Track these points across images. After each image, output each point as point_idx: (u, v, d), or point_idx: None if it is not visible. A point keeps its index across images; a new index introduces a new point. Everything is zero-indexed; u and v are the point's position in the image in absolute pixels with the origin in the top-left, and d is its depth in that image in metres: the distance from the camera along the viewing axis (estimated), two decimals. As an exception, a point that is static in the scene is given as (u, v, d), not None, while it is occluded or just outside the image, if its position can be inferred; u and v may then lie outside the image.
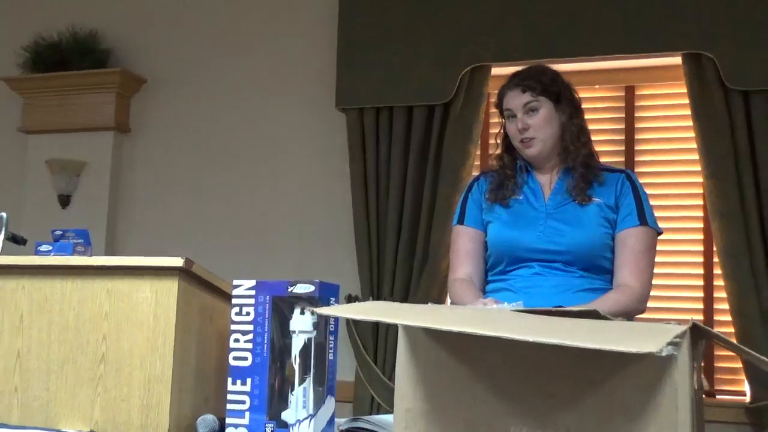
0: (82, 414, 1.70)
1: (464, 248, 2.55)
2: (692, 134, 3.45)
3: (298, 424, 1.56)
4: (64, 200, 4.44)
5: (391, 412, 1.45)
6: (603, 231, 2.40)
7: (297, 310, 1.59)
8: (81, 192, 4.44)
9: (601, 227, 2.40)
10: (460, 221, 2.58)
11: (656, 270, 2.45)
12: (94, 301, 1.74)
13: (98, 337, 1.72)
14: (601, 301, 2.29)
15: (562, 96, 2.49)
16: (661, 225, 2.49)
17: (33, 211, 4.43)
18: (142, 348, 1.68)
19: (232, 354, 1.64)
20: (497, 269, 2.48)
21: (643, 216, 2.41)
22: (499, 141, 2.60)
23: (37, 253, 2.02)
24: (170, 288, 1.69)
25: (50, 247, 2.03)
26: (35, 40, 4.52)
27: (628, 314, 2.35)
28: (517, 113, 2.47)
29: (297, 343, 1.58)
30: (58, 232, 2.10)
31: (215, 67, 4.35)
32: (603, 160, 2.58)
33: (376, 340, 3.73)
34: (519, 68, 2.59)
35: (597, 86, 3.79)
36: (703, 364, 1.34)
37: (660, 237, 2.47)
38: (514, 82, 2.51)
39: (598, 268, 2.40)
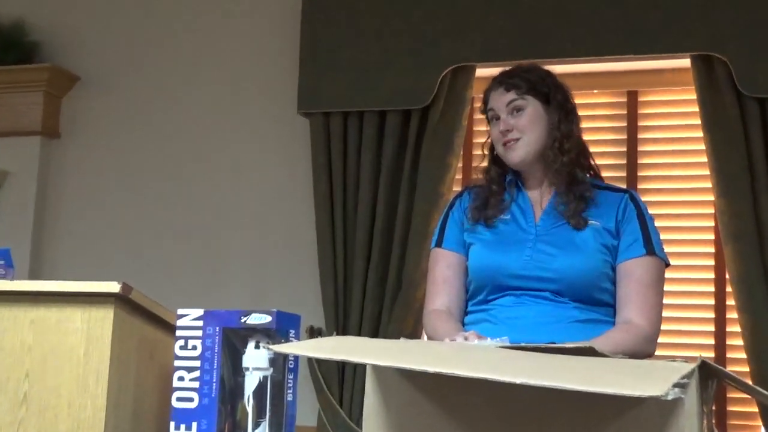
0: (0, 464, 1.68)
1: (442, 275, 2.53)
2: (702, 146, 3.48)
3: (250, 476, 1.56)
4: (-17, 215, 4.40)
5: (358, 462, 1.44)
6: (601, 258, 2.37)
7: (251, 345, 1.59)
8: (2, 206, 4.40)
9: (599, 253, 2.37)
10: (438, 244, 2.56)
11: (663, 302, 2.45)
12: (16, 332, 1.72)
13: (20, 374, 1.70)
14: (601, 341, 2.24)
15: (551, 97, 2.49)
16: (668, 250, 2.49)
17: (-54, 227, 4.39)
18: (71, 387, 1.66)
19: (176, 394, 1.63)
20: (478, 298, 2.46)
21: (650, 244, 2.38)
22: (486, 151, 2.60)
23: (-49, 276, 2.00)
24: (105, 318, 1.68)
25: (-35, 270, 2.01)
26: (-49, 29, 4.50)
27: (635, 357, 2.28)
28: (501, 114, 2.47)
29: (251, 382, 1.58)
30: (-25, 253, 2.08)
31: (159, 63, 4.34)
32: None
33: (342, 379, 3.72)
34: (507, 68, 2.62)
35: (596, 91, 3.82)
36: (714, 407, 1.34)
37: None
38: (497, 80, 2.53)
39: (593, 300, 2.37)
